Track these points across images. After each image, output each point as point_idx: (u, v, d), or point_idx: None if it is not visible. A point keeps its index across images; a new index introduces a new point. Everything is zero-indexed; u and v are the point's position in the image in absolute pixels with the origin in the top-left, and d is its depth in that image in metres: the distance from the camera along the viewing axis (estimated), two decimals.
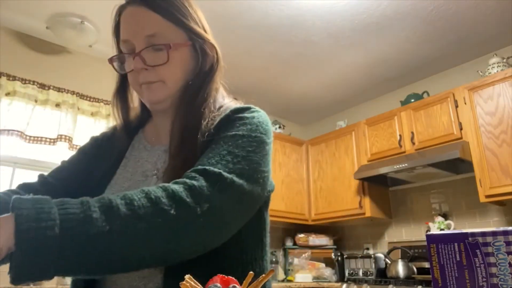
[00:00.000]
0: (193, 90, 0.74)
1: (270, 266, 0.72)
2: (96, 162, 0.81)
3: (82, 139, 2.86)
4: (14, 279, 0.44)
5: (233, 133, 0.67)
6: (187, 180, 0.58)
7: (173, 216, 0.53)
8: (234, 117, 0.71)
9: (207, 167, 0.60)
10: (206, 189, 0.57)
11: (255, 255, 0.70)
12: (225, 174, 0.60)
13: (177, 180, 0.59)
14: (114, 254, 0.50)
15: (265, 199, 0.74)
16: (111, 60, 0.76)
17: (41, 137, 2.67)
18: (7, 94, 2.59)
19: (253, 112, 0.73)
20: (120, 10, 0.75)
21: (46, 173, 0.79)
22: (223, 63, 0.79)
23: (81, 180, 0.79)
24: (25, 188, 0.74)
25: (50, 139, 2.70)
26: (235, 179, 0.60)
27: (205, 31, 0.77)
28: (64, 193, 0.71)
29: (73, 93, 2.87)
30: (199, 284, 0.43)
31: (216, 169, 0.60)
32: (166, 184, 0.57)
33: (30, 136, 2.62)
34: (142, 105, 0.84)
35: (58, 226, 0.46)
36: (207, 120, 0.71)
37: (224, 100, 0.78)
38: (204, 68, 0.76)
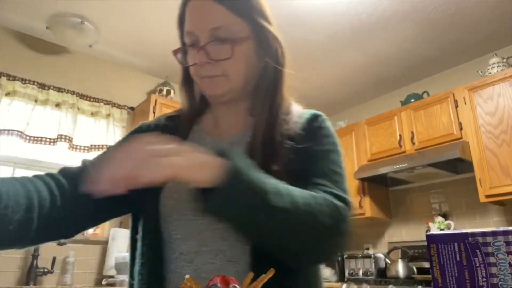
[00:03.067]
0: (265, 85, 0.76)
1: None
2: None
3: (82, 139, 2.86)
4: (212, 208, 0.56)
5: (324, 148, 0.76)
6: (335, 202, 0.65)
7: (327, 225, 0.62)
8: (315, 125, 0.77)
9: (334, 191, 0.68)
10: (344, 211, 0.65)
11: (318, 276, 0.76)
12: (348, 199, 0.68)
13: (327, 197, 0.66)
14: (291, 226, 0.58)
15: None
16: (175, 52, 0.74)
17: (41, 137, 2.67)
18: (7, 94, 2.59)
19: (324, 117, 0.81)
20: (186, 1, 0.74)
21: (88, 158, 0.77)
22: (289, 57, 0.80)
23: None
24: (64, 172, 0.71)
25: (50, 139, 2.70)
26: (350, 202, 0.68)
27: (269, 23, 0.76)
28: None
29: (73, 93, 2.87)
30: (199, 284, 0.44)
31: (344, 196, 0.68)
32: (327, 197, 0.65)
33: (30, 136, 2.62)
34: (199, 95, 0.83)
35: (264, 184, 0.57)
36: (284, 120, 0.75)
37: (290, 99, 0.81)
38: (268, 64, 0.76)
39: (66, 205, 0.65)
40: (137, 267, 0.69)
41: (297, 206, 0.58)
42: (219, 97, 0.74)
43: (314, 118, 0.78)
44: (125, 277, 2.25)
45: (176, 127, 0.80)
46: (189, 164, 0.53)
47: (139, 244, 0.70)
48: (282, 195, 0.57)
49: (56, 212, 0.63)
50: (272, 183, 0.58)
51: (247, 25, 0.72)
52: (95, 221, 0.74)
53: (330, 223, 0.61)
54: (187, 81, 0.80)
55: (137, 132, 0.83)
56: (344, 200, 0.66)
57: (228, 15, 0.70)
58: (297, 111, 0.80)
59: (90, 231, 2.79)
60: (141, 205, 0.72)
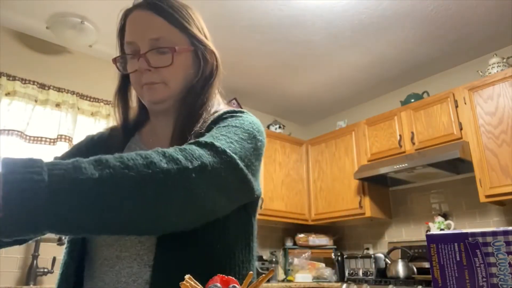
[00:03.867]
0: (194, 94, 0.77)
1: (252, 269, 0.73)
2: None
3: (82, 139, 2.86)
4: (1, 232, 0.42)
5: (225, 124, 0.69)
6: (177, 147, 0.58)
7: (164, 168, 0.52)
8: (226, 115, 0.73)
9: (198, 140, 0.61)
10: (198, 151, 0.57)
11: (242, 258, 0.71)
12: (217, 143, 0.60)
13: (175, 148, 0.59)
14: (104, 204, 0.48)
15: (253, 201, 0.74)
16: (115, 61, 0.78)
17: (41, 137, 2.67)
18: (7, 94, 2.59)
19: (246, 113, 0.76)
20: (127, 13, 0.79)
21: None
22: (222, 69, 0.82)
23: None
24: None
25: (50, 139, 2.70)
26: (228, 150, 0.61)
27: (206, 38, 0.80)
28: None
29: (73, 93, 2.87)
30: (199, 284, 0.44)
31: (208, 140, 0.61)
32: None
33: (30, 136, 2.62)
34: (140, 107, 0.85)
35: (46, 173, 0.45)
36: (201, 122, 0.73)
37: (220, 106, 0.82)
38: (205, 73, 0.79)
39: None
40: (58, 277, 0.71)
41: (103, 171, 0.48)
42: (157, 104, 0.77)
43: (231, 111, 0.75)
44: None
45: (118, 137, 0.83)
46: None
47: (63, 252, 0.73)
48: (80, 170, 0.47)
49: None
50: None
51: (185, 38, 0.76)
52: None
53: (165, 167, 0.52)
54: (123, 92, 0.84)
55: (91, 138, 0.88)
56: (206, 144, 0.59)
57: (167, 26, 0.75)
58: (221, 111, 0.78)
59: None
60: None
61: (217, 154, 0.59)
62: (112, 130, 0.87)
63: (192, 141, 0.62)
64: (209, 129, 0.71)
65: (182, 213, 0.56)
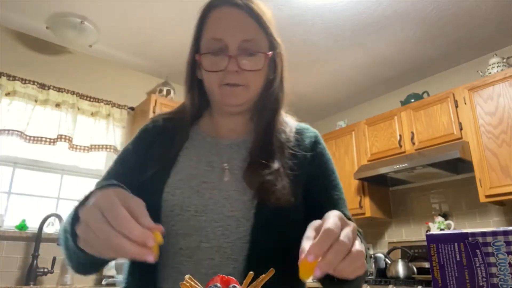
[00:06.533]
0: (273, 97, 0.81)
1: None
2: (151, 149, 0.80)
3: (82, 139, 2.86)
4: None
5: (334, 175, 0.83)
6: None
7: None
8: (316, 142, 0.85)
9: (348, 217, 0.73)
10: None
11: None
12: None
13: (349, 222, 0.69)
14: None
15: None
16: (200, 56, 0.75)
17: (41, 137, 2.67)
18: (7, 94, 2.59)
19: (322, 141, 0.88)
20: (211, 7, 0.76)
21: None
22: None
23: (137, 172, 0.77)
24: None
25: (50, 139, 2.70)
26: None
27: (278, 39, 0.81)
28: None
29: (73, 93, 2.87)
30: (199, 284, 0.44)
31: (350, 217, 0.75)
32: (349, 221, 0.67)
33: (30, 136, 2.62)
34: (200, 100, 0.84)
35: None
36: (281, 129, 0.80)
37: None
38: (280, 77, 0.82)
39: None
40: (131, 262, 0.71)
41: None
42: (235, 107, 0.77)
43: (314, 138, 0.86)
44: None
45: (175, 128, 0.82)
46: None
47: None
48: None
49: None
50: None
51: (267, 41, 0.77)
52: None
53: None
54: (195, 84, 0.82)
55: (145, 129, 0.85)
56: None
57: (257, 29, 0.75)
58: (292, 123, 0.88)
59: None
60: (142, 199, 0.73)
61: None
62: (165, 121, 0.85)
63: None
64: (297, 149, 0.78)
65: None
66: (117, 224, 0.43)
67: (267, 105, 0.80)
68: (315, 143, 0.84)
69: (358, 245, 0.47)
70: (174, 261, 0.67)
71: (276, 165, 0.73)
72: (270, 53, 0.76)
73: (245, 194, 0.71)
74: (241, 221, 0.69)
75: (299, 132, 0.84)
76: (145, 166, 0.76)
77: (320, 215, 0.68)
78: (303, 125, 0.90)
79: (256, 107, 0.82)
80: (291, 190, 0.72)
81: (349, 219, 0.71)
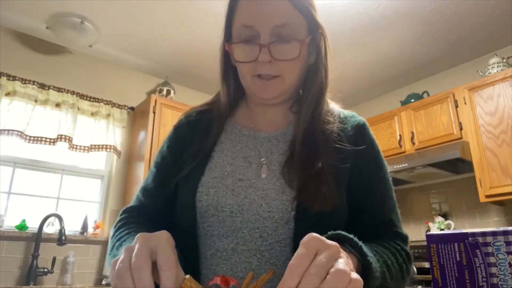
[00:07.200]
0: (315, 84, 0.72)
1: None
2: (186, 146, 0.76)
3: (82, 139, 2.86)
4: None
5: (383, 173, 0.75)
6: (405, 248, 0.68)
7: (403, 280, 0.65)
8: (362, 132, 0.75)
9: (399, 230, 0.70)
10: (409, 251, 0.69)
11: None
12: (406, 234, 0.71)
13: (398, 243, 0.67)
14: None
15: None
16: (229, 46, 0.69)
17: (41, 137, 2.67)
18: (7, 94, 2.59)
19: (369, 130, 0.78)
20: None
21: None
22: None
23: (174, 173, 0.75)
24: (136, 214, 0.75)
25: (50, 139, 2.70)
26: (407, 235, 0.72)
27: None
28: (163, 197, 0.75)
29: (73, 93, 2.87)
30: (199, 284, 0.44)
31: (404, 233, 0.71)
32: (401, 249, 0.67)
33: (30, 136, 2.62)
34: (235, 89, 0.78)
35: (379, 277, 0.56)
36: (326, 120, 0.72)
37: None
38: (322, 63, 0.72)
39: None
40: None
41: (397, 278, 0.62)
42: (269, 100, 0.71)
43: (361, 123, 0.78)
44: None
45: (210, 120, 0.77)
46: None
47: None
48: (391, 274, 0.60)
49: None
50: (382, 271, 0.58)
51: (305, 23, 0.69)
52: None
53: (408, 273, 0.66)
54: (229, 71, 0.76)
55: (178, 130, 0.80)
56: (406, 240, 0.70)
57: (292, 11, 0.66)
58: (337, 110, 0.78)
59: (90, 231, 2.78)
60: (177, 198, 0.73)
61: (408, 258, 0.68)
62: (198, 114, 0.80)
63: (399, 230, 0.70)
64: (345, 141, 0.70)
65: None
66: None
67: (309, 93, 0.72)
68: (361, 133, 0.74)
69: (341, 266, 0.40)
70: (211, 263, 0.65)
71: (320, 162, 0.66)
72: (307, 38, 0.67)
73: (284, 193, 0.65)
74: (279, 223, 0.64)
75: (343, 121, 0.75)
76: (181, 164, 0.73)
77: (363, 218, 0.69)
78: (348, 112, 0.80)
79: (296, 96, 0.75)
80: (336, 192, 0.65)
81: (395, 224, 0.70)
